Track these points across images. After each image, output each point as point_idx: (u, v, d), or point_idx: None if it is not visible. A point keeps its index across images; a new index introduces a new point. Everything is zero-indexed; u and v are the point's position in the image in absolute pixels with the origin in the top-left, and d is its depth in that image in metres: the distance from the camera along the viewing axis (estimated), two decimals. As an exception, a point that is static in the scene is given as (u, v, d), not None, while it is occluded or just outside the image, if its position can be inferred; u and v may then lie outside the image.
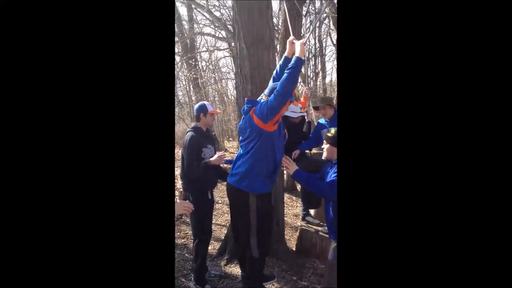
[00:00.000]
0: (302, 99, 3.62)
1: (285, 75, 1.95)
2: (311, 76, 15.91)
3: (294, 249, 3.45)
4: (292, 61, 1.94)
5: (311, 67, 16.10)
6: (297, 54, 1.96)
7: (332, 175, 2.04)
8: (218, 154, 2.55)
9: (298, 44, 2.00)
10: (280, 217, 3.25)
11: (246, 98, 2.27)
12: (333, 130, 2.10)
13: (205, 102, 2.82)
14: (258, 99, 2.24)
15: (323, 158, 2.18)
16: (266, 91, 2.22)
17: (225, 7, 8.95)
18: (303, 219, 3.69)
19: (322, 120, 3.65)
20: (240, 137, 2.24)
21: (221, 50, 10.71)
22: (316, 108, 3.81)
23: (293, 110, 3.31)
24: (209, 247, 3.47)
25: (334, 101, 3.89)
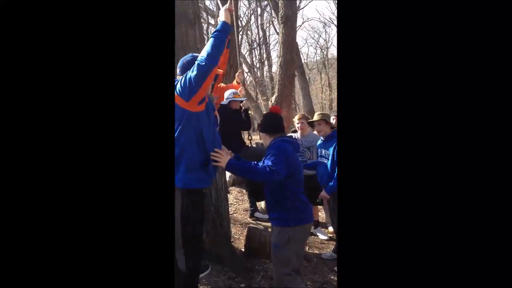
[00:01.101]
0: (235, 82, 3.28)
1: (210, 39, 1.68)
2: (257, 65, 15.73)
3: (243, 249, 3.12)
4: (218, 25, 1.73)
5: (257, 56, 15.91)
6: (222, 19, 1.75)
7: (265, 159, 1.90)
8: None
9: (222, 10, 1.78)
10: (224, 217, 2.90)
11: None
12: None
13: None
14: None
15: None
16: (178, 70, 1.86)
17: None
18: (252, 215, 3.37)
19: (319, 142, 3.10)
20: None
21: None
22: (311, 124, 3.29)
23: (228, 97, 2.97)
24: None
25: (332, 118, 3.39)
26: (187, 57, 1.88)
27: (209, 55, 1.63)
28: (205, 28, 11.35)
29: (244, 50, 14.25)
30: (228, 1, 1.84)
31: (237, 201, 4.79)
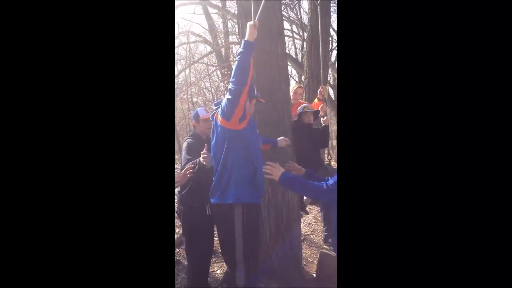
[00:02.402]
0: (316, 100, 3.13)
1: (236, 62, 1.77)
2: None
3: (314, 275, 2.93)
4: (241, 46, 1.76)
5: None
6: (246, 37, 1.77)
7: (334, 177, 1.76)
8: (202, 152, 2.12)
9: (247, 26, 1.79)
10: (295, 238, 2.77)
11: (214, 102, 2.06)
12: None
13: (199, 108, 2.51)
14: None
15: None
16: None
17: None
18: (326, 241, 3.15)
19: None
20: (211, 153, 2.00)
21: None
22: None
23: (298, 111, 2.87)
24: (218, 271, 3.10)
25: None
26: None
27: (236, 78, 1.74)
28: (299, 43, 11.42)
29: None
30: (254, 16, 1.80)
31: (316, 221, 4.57)
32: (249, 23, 1.79)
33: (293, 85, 3.57)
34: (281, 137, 2.40)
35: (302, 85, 3.56)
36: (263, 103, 2.30)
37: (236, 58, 1.76)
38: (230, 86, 1.78)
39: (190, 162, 2.16)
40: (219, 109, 1.90)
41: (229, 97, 1.77)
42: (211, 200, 1.96)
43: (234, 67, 1.77)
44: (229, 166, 1.87)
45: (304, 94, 4.74)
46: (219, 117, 1.89)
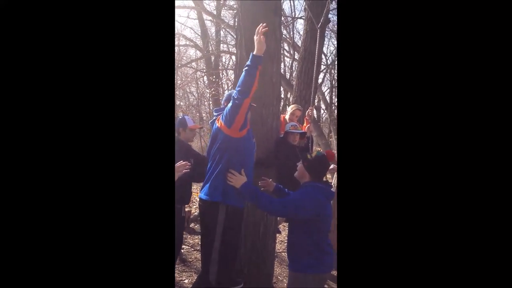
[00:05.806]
0: (304, 123, 3.18)
1: (242, 73, 1.83)
2: (336, 103, 15.51)
3: (284, 294, 2.93)
4: (249, 59, 1.82)
5: (337, 94, 15.73)
6: (254, 51, 1.82)
7: (292, 194, 1.96)
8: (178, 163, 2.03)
9: (256, 40, 1.84)
10: (269, 254, 2.76)
11: (214, 109, 2.10)
12: (314, 153, 1.96)
13: (186, 116, 2.51)
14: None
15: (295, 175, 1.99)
16: (223, 99, 2.14)
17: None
18: (298, 259, 3.15)
19: None
20: (208, 150, 2.10)
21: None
22: None
23: (286, 129, 2.91)
24: (186, 280, 3.04)
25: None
26: (232, 91, 2.07)
27: (239, 89, 1.81)
28: (288, 61, 11.62)
29: (325, 88, 14.18)
30: (259, 28, 1.84)
31: (289, 239, 4.59)
32: (255, 37, 1.82)
33: (291, 105, 3.61)
34: None
35: (300, 107, 3.57)
36: (254, 115, 2.32)
37: (244, 69, 1.81)
38: (233, 94, 1.85)
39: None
40: (222, 115, 1.96)
41: (231, 105, 1.85)
42: (200, 195, 2.00)
43: (241, 76, 1.83)
44: (222, 169, 1.93)
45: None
46: (221, 123, 1.96)
